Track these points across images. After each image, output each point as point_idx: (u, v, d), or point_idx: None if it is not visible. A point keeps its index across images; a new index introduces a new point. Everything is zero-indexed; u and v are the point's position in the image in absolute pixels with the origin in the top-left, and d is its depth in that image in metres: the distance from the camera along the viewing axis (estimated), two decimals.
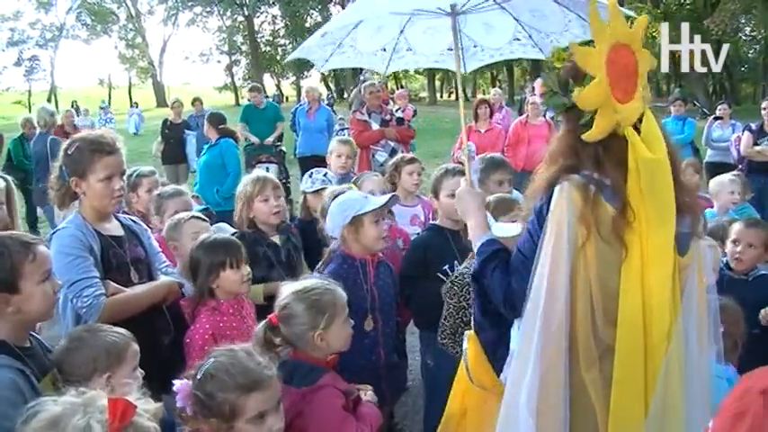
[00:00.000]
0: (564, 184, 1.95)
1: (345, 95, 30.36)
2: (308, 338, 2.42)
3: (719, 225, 4.12)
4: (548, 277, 1.91)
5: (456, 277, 3.10)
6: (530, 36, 3.18)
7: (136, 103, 34.59)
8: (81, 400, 1.47)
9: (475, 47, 3.28)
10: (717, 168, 7.80)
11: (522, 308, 1.98)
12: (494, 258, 2.15)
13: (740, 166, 7.94)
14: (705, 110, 20.53)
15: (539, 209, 2.02)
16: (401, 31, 3.21)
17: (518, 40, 3.21)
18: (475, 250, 2.24)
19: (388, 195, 3.21)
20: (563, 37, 3.07)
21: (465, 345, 2.28)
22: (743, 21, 28.97)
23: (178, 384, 1.98)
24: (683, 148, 9.25)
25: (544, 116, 8.18)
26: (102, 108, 29.13)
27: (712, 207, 5.18)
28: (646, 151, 1.92)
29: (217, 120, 7.55)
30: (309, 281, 2.57)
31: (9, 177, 3.21)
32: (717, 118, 9.54)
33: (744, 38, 33.56)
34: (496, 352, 2.24)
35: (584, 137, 1.92)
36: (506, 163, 4.38)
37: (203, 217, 3.56)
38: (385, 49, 3.31)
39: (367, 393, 2.62)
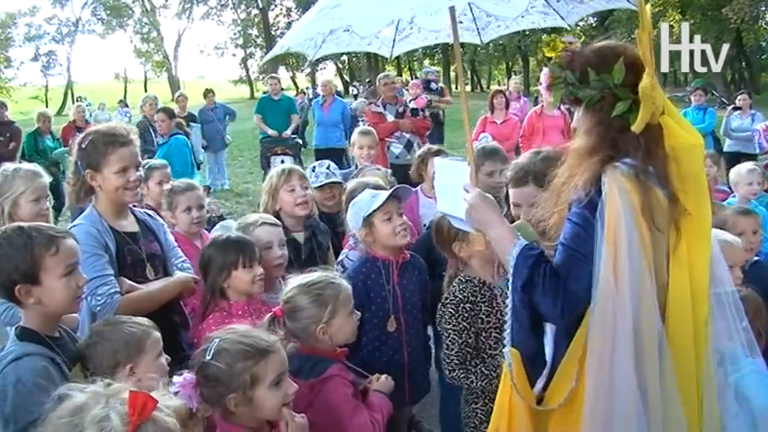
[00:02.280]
0: (612, 173, 1.88)
1: (354, 90, 29.74)
2: (311, 331, 2.44)
3: (720, 219, 4.04)
4: (613, 275, 1.82)
5: (446, 300, 2.85)
6: (474, 19, 2.92)
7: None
8: (105, 391, 1.48)
9: (412, 28, 2.97)
10: (736, 158, 7.70)
11: (584, 312, 1.88)
12: (540, 263, 1.95)
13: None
14: (723, 99, 20.26)
15: (587, 201, 1.89)
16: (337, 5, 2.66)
17: (461, 23, 2.92)
18: (510, 260, 2.00)
19: (388, 191, 3.08)
20: (515, 23, 2.89)
21: (509, 361, 2.08)
22: (763, 8, 28.50)
23: (179, 380, 1.93)
24: (703, 137, 9.14)
25: (559, 108, 8.07)
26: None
27: (727, 198, 5.13)
28: (686, 136, 1.90)
29: (171, 114, 7.63)
30: (314, 274, 2.56)
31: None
32: (736, 108, 9.42)
33: (764, 26, 33.02)
34: (536, 365, 2.09)
35: (633, 128, 1.88)
36: (499, 152, 4.18)
37: (276, 222, 3.32)
38: (332, 31, 2.87)
39: (380, 380, 2.62)
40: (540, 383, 2.08)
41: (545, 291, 1.91)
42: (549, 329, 2.06)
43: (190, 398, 1.91)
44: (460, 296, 2.77)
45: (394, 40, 3.02)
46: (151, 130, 10.01)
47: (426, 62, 51.24)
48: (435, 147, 4.98)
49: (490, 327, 2.77)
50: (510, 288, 2.04)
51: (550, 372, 2.05)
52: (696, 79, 12.36)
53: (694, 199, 1.92)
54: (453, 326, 2.75)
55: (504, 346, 2.15)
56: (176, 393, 1.88)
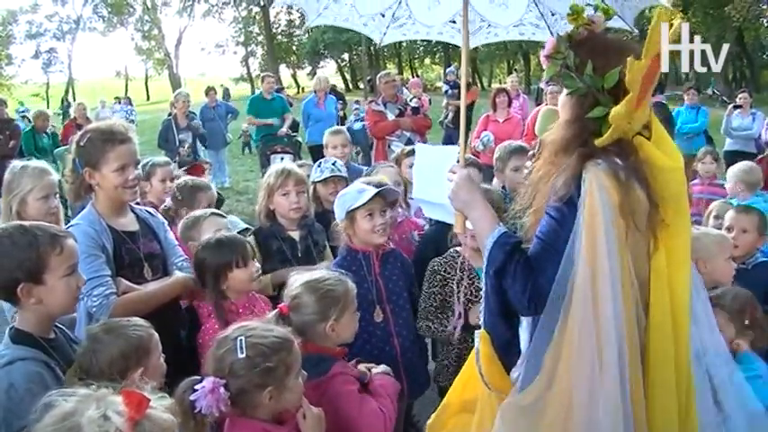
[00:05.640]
0: (593, 170, 1.86)
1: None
2: (318, 329, 2.45)
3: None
4: (591, 274, 1.79)
5: (431, 263, 3.29)
6: (542, 16, 2.84)
7: (126, 98, 28.46)
8: (94, 394, 1.47)
9: (482, 21, 2.92)
10: (736, 157, 7.69)
11: (555, 307, 1.84)
12: (516, 251, 1.94)
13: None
14: (725, 98, 20.24)
15: (566, 197, 1.87)
16: None
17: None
18: (487, 244, 2.00)
19: (375, 190, 3.08)
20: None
21: (477, 344, 2.07)
22: (764, 6, 28.43)
23: (206, 384, 1.89)
24: (696, 137, 9.26)
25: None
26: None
27: (726, 196, 5.14)
28: (664, 159, 1.90)
29: None
30: (321, 272, 2.59)
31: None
32: (737, 107, 9.41)
33: (766, 24, 32.94)
34: (510, 353, 2.07)
35: (596, 143, 1.88)
36: (525, 149, 4.29)
37: (222, 213, 3.53)
38: (384, 15, 2.94)
39: (379, 367, 2.64)
40: (514, 373, 2.05)
41: (515, 279, 1.90)
42: (525, 319, 2.04)
43: (217, 401, 1.89)
44: (437, 267, 3.26)
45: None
46: (174, 130, 10.01)
47: (427, 60, 51.18)
48: (408, 147, 5.00)
49: (450, 302, 3.19)
50: (483, 272, 2.03)
51: (532, 365, 1.97)
52: (712, 79, 12.34)
53: (672, 213, 1.91)
54: (427, 287, 3.26)
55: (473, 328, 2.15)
56: (194, 401, 1.87)
